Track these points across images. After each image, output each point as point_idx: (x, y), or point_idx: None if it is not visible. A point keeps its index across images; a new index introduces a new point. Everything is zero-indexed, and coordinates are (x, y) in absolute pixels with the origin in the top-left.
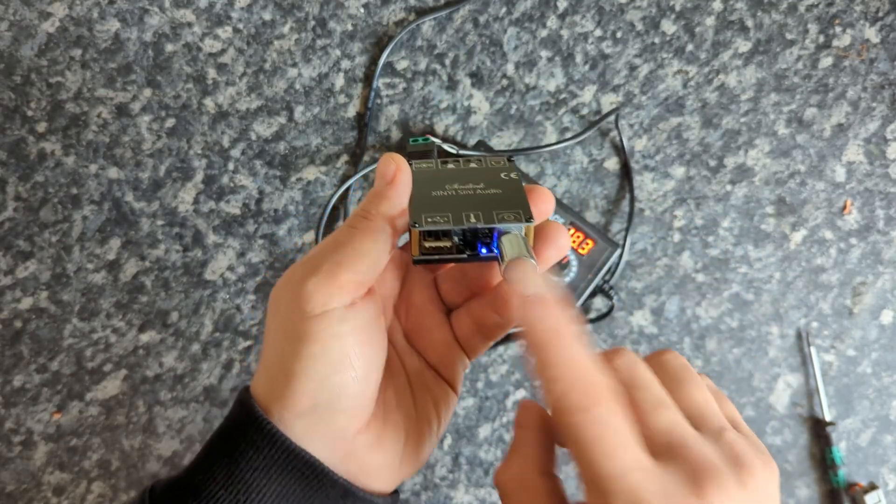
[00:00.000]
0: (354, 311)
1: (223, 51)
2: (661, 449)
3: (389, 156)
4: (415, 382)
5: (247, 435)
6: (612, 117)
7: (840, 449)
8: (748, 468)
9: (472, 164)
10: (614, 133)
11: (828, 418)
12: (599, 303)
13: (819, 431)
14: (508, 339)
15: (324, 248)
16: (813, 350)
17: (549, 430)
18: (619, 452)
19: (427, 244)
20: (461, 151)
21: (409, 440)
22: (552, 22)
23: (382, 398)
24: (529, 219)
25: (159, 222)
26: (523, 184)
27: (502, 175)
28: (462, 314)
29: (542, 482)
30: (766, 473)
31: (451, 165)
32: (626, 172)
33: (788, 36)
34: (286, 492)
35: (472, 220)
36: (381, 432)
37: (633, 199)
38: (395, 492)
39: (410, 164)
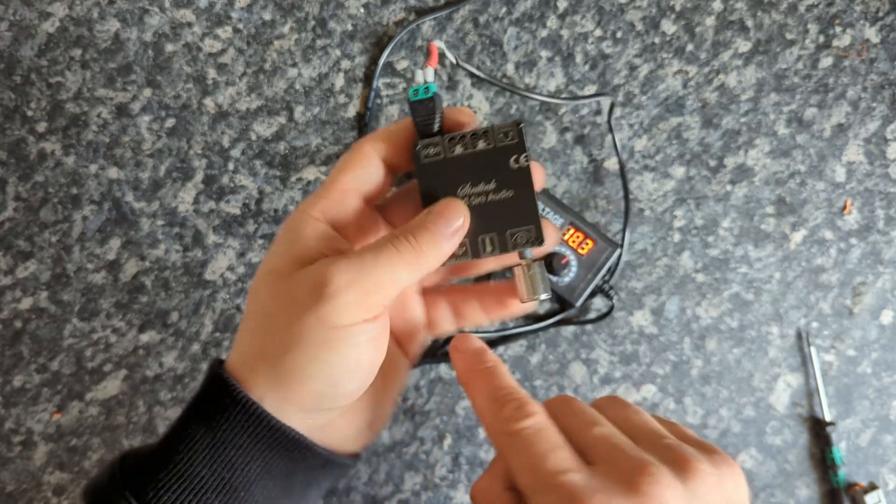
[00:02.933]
0: (374, 323)
1: (223, 51)
2: (596, 456)
3: (458, 205)
4: (386, 363)
5: (228, 412)
6: (606, 109)
7: (840, 449)
8: (690, 464)
9: (481, 144)
10: (615, 133)
11: (828, 418)
12: (599, 303)
13: (819, 431)
14: (509, 339)
15: (364, 258)
16: (813, 350)
17: None
18: (552, 455)
19: None
20: (474, 129)
21: (377, 408)
22: (552, 22)
23: None
24: (540, 241)
25: (159, 222)
26: (530, 172)
27: (512, 163)
28: (438, 297)
29: (506, 496)
30: (718, 471)
31: (458, 149)
32: (620, 170)
33: (788, 36)
34: (270, 466)
35: (489, 248)
36: (355, 406)
37: (627, 198)
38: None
39: (416, 147)
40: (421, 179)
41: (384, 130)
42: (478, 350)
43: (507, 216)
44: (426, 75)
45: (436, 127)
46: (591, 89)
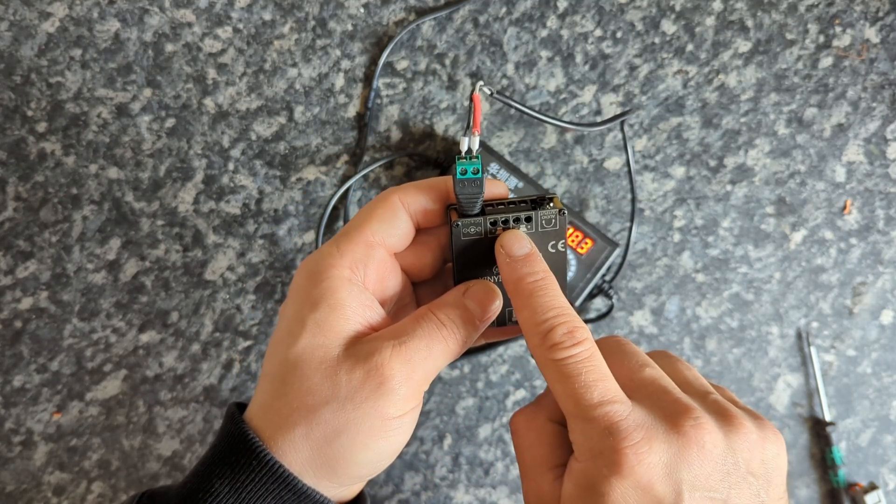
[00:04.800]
0: (419, 407)
1: (223, 51)
2: (642, 396)
3: (496, 294)
4: None
5: (254, 473)
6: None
7: (840, 449)
8: (734, 419)
9: (522, 229)
10: (615, 133)
11: (828, 418)
12: (599, 302)
13: (819, 431)
14: (509, 339)
15: (418, 351)
16: (813, 350)
17: None
18: (598, 384)
19: None
20: (510, 197)
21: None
22: (552, 22)
23: None
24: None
25: (159, 222)
26: (566, 259)
27: (549, 248)
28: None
29: (549, 427)
30: (762, 434)
31: (500, 230)
32: (627, 172)
33: (788, 36)
34: None
35: (514, 318)
36: None
37: (634, 201)
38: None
39: (458, 226)
40: (457, 256)
41: (414, 186)
42: (527, 257)
43: None
44: (472, 143)
45: (478, 208)
46: (591, 89)
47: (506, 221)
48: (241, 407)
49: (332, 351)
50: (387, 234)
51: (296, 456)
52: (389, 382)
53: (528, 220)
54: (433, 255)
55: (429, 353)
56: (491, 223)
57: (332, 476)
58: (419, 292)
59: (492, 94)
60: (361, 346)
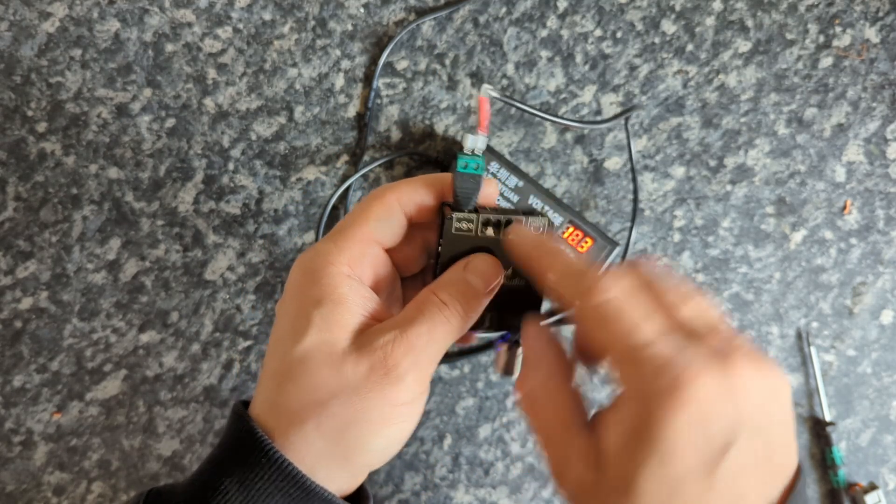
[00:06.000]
0: (426, 392)
1: (223, 51)
2: (688, 330)
3: (496, 264)
4: None
5: (263, 471)
6: (622, 118)
7: (840, 449)
8: (769, 365)
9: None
10: (615, 133)
11: (828, 418)
12: None
13: (819, 431)
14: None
15: (420, 335)
16: (813, 350)
17: (559, 345)
18: (643, 325)
19: None
20: (501, 207)
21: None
22: (552, 22)
23: None
24: (517, 343)
25: (159, 222)
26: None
27: None
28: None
29: (566, 387)
30: (776, 381)
31: (490, 231)
32: (630, 170)
33: (788, 36)
34: None
35: (486, 324)
36: None
37: (636, 201)
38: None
39: (451, 219)
40: (445, 248)
41: (411, 181)
42: (539, 236)
43: (513, 302)
44: (477, 143)
45: (472, 205)
46: (591, 89)
47: (497, 222)
48: (247, 405)
49: (339, 345)
50: (382, 232)
51: (309, 449)
52: (396, 370)
53: (519, 223)
54: (422, 250)
55: (431, 336)
56: (483, 222)
57: (345, 465)
58: (404, 286)
59: (498, 97)
60: (366, 338)
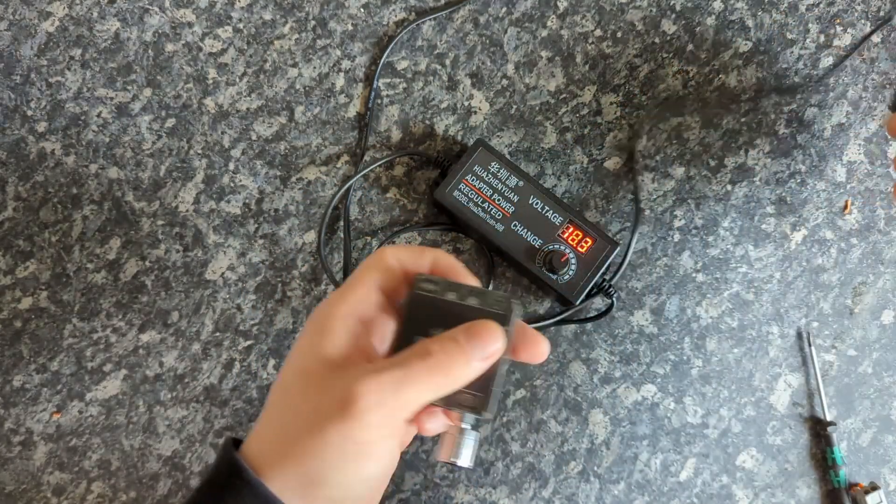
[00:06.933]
0: (395, 439)
1: (223, 51)
2: None
3: (497, 330)
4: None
5: (245, 500)
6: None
7: (841, 449)
8: None
9: (472, 300)
10: (615, 133)
11: (828, 418)
12: (599, 301)
13: (820, 431)
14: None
15: (394, 376)
16: (813, 350)
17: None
18: None
19: None
20: (472, 287)
21: (371, 498)
22: (552, 22)
23: None
24: (481, 412)
25: (159, 222)
26: (509, 343)
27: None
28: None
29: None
30: None
31: (451, 295)
32: (630, 172)
33: (789, 35)
34: None
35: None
36: None
37: (637, 201)
38: None
39: (418, 276)
40: (409, 306)
41: (407, 248)
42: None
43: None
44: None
45: None
46: (591, 89)
47: (460, 287)
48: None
49: (315, 372)
50: (381, 283)
51: (275, 475)
52: (357, 404)
53: (481, 293)
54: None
55: (405, 380)
56: (448, 285)
57: (306, 495)
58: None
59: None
60: (343, 370)
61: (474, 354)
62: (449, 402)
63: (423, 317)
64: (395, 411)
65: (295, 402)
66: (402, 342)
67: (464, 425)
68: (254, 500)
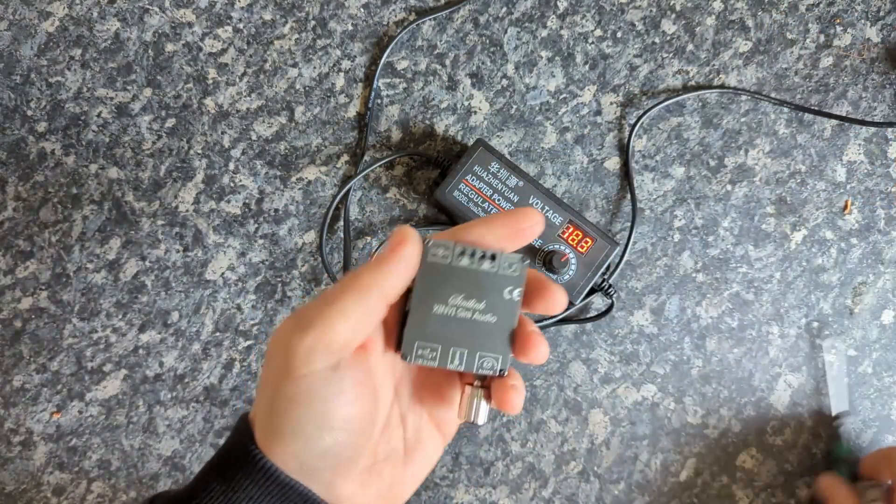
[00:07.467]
0: (340, 372)
1: (223, 51)
2: None
3: (402, 230)
4: (411, 437)
5: (243, 466)
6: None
7: (847, 443)
8: None
9: (486, 265)
10: (614, 133)
11: (834, 412)
12: (599, 301)
13: (825, 426)
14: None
15: (315, 303)
16: (825, 344)
17: None
18: None
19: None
20: (484, 249)
21: (393, 488)
22: (552, 22)
23: (375, 451)
24: (503, 373)
25: (159, 222)
26: (518, 309)
27: (505, 293)
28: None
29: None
30: None
31: (465, 260)
32: (626, 172)
33: (789, 35)
34: None
35: (456, 362)
36: (366, 478)
37: (634, 201)
38: None
39: (428, 243)
40: (421, 275)
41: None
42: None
43: (484, 339)
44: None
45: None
46: (591, 89)
47: (473, 252)
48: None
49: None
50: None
51: (258, 439)
52: (293, 332)
53: (493, 257)
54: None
55: (325, 300)
56: (459, 252)
57: (274, 455)
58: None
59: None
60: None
61: (398, 256)
62: (470, 366)
63: (436, 284)
64: (326, 330)
65: (265, 374)
66: (419, 308)
67: (479, 385)
68: (257, 475)
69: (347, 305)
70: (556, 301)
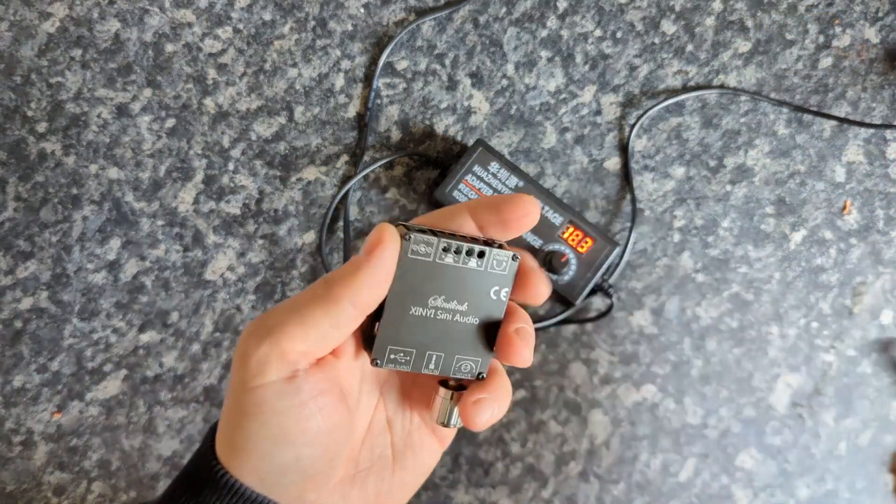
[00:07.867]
0: (296, 384)
1: (223, 51)
2: None
3: (380, 228)
4: (399, 442)
5: (208, 481)
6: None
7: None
8: None
9: (472, 263)
10: (614, 133)
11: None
12: (599, 302)
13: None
14: None
15: (280, 308)
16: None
17: None
18: None
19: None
20: (471, 245)
21: (380, 498)
22: (552, 22)
23: (355, 460)
24: (481, 377)
25: (159, 222)
26: (504, 310)
27: (492, 293)
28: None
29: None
30: None
31: (449, 258)
32: (626, 172)
33: (788, 36)
34: None
35: (432, 366)
36: (347, 489)
37: (634, 201)
38: None
39: (408, 239)
40: (399, 272)
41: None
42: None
43: (463, 342)
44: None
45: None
46: (591, 89)
47: (459, 249)
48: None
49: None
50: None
51: (234, 467)
52: (247, 341)
53: (481, 255)
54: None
55: (292, 306)
56: (443, 248)
57: (235, 470)
58: None
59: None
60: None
61: (360, 265)
62: (447, 370)
63: (415, 283)
64: (281, 340)
65: (229, 382)
66: (394, 309)
67: (455, 389)
68: (223, 492)
69: (313, 315)
70: (537, 292)
